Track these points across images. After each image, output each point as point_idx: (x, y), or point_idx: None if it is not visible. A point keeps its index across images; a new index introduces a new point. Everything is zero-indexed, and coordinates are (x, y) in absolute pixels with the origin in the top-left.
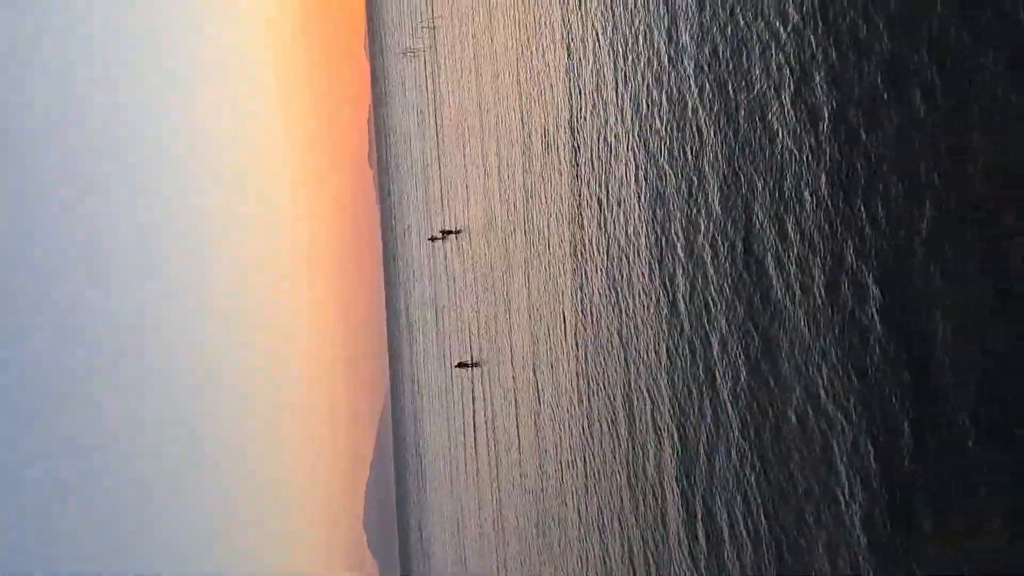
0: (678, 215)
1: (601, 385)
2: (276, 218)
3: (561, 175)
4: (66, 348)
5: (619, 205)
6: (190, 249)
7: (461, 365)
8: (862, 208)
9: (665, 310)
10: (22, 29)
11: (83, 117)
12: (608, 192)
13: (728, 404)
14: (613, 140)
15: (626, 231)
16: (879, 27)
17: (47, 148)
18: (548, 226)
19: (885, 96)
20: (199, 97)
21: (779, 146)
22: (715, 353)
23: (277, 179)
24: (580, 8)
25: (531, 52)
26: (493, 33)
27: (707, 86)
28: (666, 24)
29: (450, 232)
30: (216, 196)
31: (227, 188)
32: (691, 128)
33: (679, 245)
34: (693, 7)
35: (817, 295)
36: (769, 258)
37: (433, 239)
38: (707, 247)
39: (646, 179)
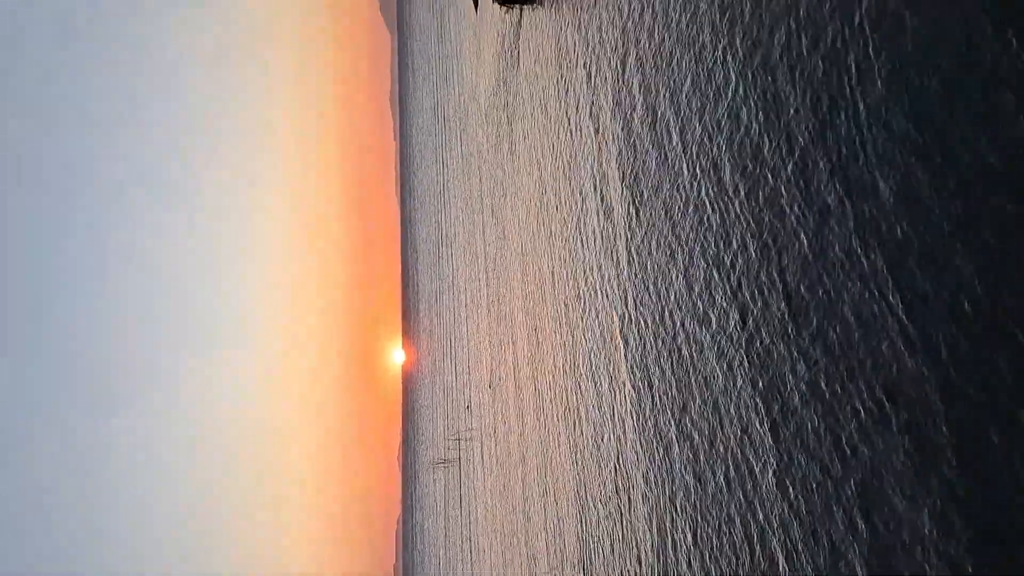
0: None
1: None
2: None
3: (634, 530)
4: None
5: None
6: None
7: None
8: None
9: None
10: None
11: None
12: (691, 553)
13: None
14: (681, 505)
15: None
16: None
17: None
18: None
19: None
20: (228, 461)
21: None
22: None
23: None
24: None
25: (583, 430)
26: (535, 414)
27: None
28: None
29: None
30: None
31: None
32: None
33: None
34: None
35: None
36: None
37: None
38: None
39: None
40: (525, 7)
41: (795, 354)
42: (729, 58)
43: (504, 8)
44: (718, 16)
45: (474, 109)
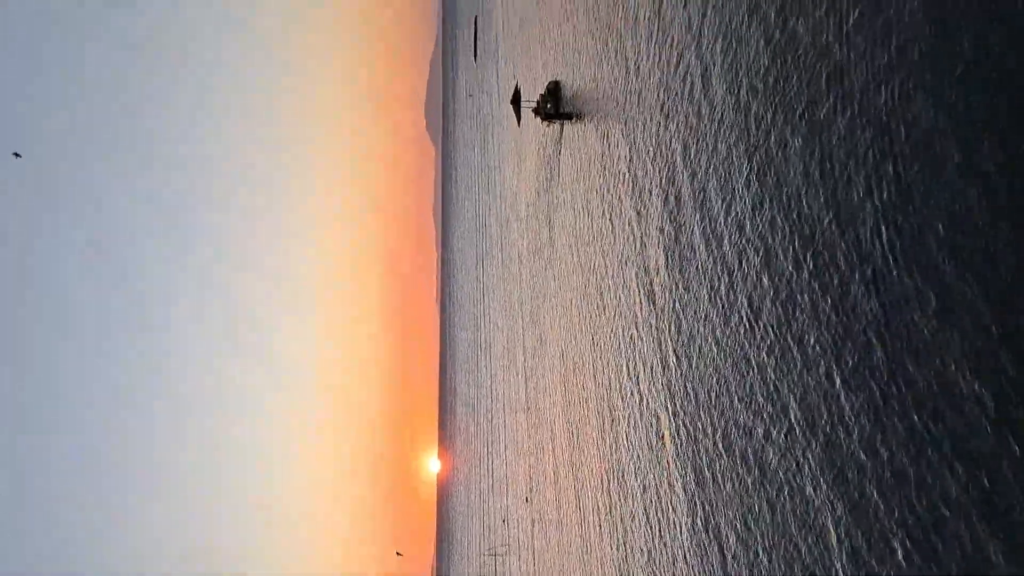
0: None
1: None
2: None
3: None
4: None
5: None
6: None
7: None
8: None
9: None
10: None
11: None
12: None
13: None
14: None
15: None
16: None
17: None
18: None
19: None
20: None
21: None
22: None
23: None
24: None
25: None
26: (577, 524)
27: None
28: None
29: None
30: None
31: None
32: None
33: None
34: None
35: None
36: None
37: None
38: None
39: None
40: (566, 122)
41: (862, 449)
42: (790, 154)
43: (546, 122)
44: (772, 110)
45: (514, 217)
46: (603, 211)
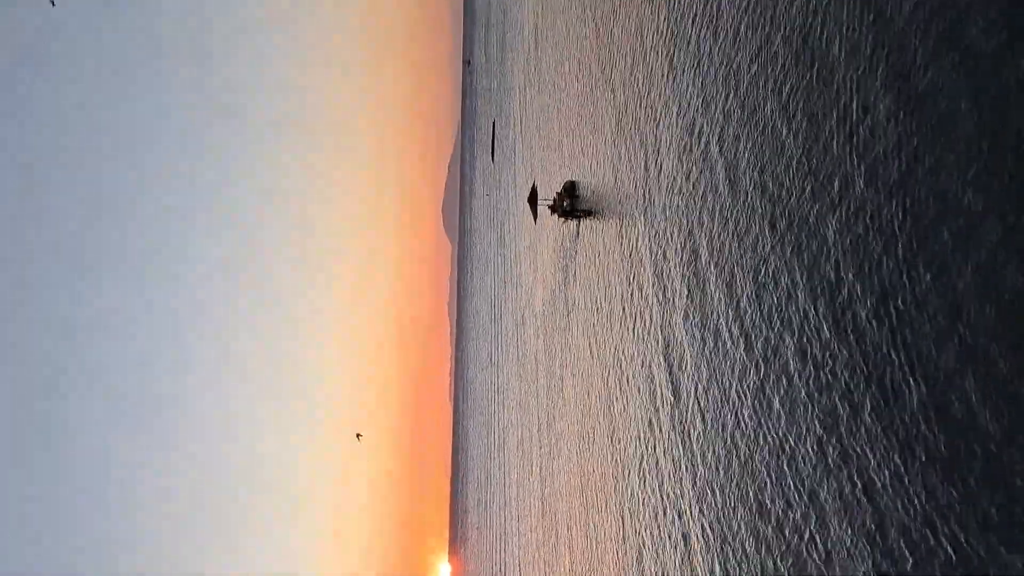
0: None
1: None
2: None
3: None
4: None
5: None
6: None
7: None
8: None
9: None
10: None
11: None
12: None
13: None
14: None
15: None
16: None
17: None
18: None
19: None
20: None
21: None
22: None
23: None
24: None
25: None
26: None
27: None
28: None
29: None
30: None
31: None
32: None
33: None
34: None
35: None
36: None
37: None
38: None
39: None
40: (583, 219)
41: (904, 550)
42: (822, 246)
43: (562, 219)
44: (802, 199)
45: (530, 314)
46: (623, 306)
